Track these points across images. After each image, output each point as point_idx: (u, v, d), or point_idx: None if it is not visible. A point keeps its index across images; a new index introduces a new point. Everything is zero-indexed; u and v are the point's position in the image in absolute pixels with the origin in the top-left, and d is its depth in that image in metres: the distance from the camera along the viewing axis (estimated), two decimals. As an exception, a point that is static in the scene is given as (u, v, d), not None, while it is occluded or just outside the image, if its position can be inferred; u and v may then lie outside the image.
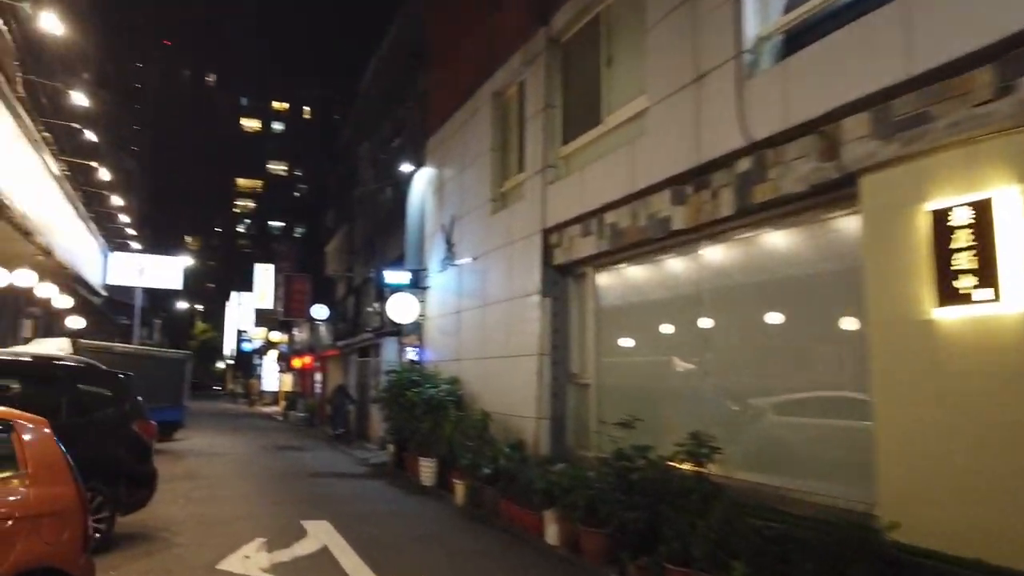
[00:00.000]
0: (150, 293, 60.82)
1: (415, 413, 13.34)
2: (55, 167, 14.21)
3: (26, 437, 4.62)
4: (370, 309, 25.19)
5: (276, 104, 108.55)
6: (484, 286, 12.64)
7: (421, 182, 17.68)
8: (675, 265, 8.36)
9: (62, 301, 16.22)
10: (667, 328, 8.59)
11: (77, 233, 17.98)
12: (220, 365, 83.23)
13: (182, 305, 70.15)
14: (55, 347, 15.31)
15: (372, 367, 20.42)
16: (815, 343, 6.60)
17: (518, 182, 11.95)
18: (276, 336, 41.16)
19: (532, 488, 8.71)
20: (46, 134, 14.54)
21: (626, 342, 9.42)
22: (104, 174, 22.31)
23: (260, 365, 51.91)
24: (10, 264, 13.66)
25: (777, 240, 6.92)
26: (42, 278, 14.41)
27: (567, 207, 9.94)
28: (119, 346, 16.19)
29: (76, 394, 7.43)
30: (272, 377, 45.68)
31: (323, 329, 26.78)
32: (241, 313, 55.87)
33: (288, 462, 15.43)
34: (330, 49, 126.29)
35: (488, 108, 12.96)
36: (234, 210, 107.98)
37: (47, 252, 13.99)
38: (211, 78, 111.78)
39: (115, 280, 22.81)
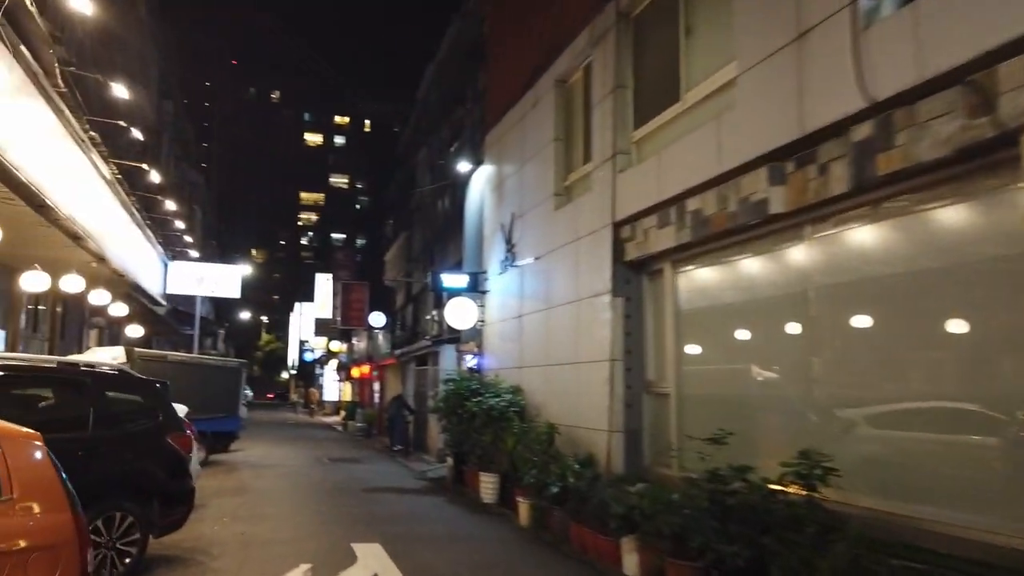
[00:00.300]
0: (215, 304, 61.91)
1: (475, 425, 12.46)
2: (105, 170, 13.91)
3: (11, 455, 3.86)
4: (428, 317, 24.53)
5: (338, 118, 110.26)
6: (547, 287, 11.69)
7: (479, 182, 16.89)
8: (773, 256, 7.25)
9: (118, 309, 15.95)
10: (762, 330, 7.48)
11: (135, 242, 17.77)
12: (284, 375, 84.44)
13: (248, 316, 71.23)
14: (109, 356, 15.01)
15: (430, 376, 19.69)
16: (952, 344, 5.44)
17: (584, 173, 10.99)
18: (336, 346, 41.03)
19: (607, 511, 7.69)
20: (103, 149, 14.38)
21: (711, 346, 8.33)
22: (161, 182, 22.28)
23: (321, 375, 52.06)
24: (62, 272, 13.36)
25: (908, 223, 5.77)
26: (95, 285, 14.12)
27: (641, 196, 8.93)
28: (173, 354, 15.84)
29: (105, 404, 6.76)
30: (332, 387, 45.62)
31: (381, 338, 26.24)
32: (303, 324, 56.26)
33: (342, 475, 14.74)
34: (391, 61, 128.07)
35: (550, 96, 12.04)
36: (298, 223, 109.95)
37: (100, 257, 13.65)
38: (275, 95, 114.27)
39: (175, 289, 22.67)
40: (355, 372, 31.85)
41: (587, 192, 10.56)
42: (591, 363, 9.83)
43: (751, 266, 7.61)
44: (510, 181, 13.91)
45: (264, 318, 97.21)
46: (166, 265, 22.43)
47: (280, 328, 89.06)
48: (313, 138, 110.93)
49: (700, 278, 8.50)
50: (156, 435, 7.21)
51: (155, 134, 25.41)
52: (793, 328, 6.98)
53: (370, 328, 27.38)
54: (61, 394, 6.66)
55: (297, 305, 64.23)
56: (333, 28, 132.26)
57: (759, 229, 7.12)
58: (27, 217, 10.84)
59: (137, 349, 15.36)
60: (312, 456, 18.63)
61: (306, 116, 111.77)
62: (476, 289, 14.97)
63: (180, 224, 23.12)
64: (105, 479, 6.51)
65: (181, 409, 10.85)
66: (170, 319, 32.47)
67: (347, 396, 41.63)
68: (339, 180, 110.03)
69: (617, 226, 9.52)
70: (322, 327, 40.60)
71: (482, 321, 15.00)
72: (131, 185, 17.70)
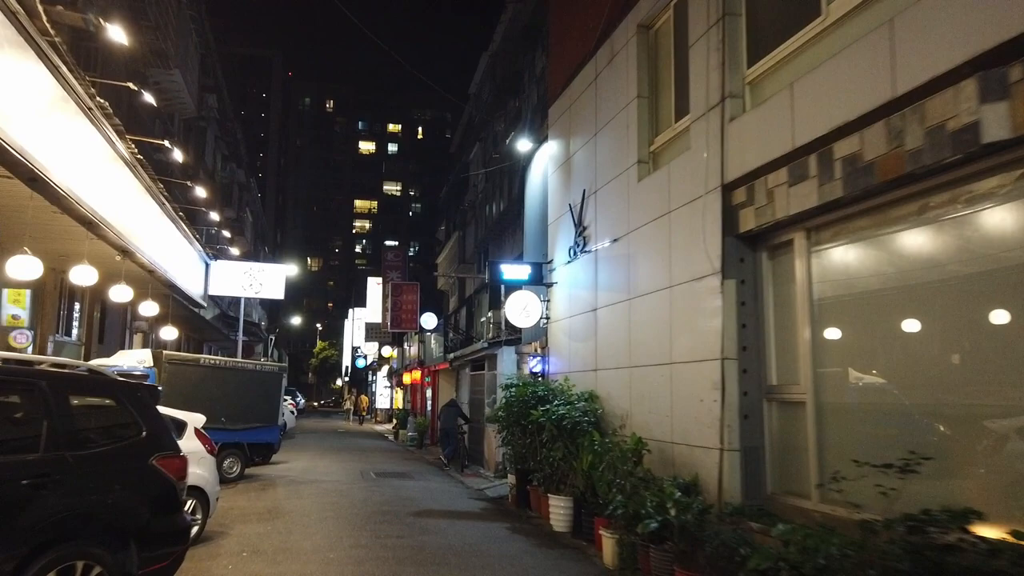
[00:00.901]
0: (267, 309, 61.51)
1: (542, 438, 10.57)
2: (123, 147, 12.52)
3: None
4: (483, 319, 22.75)
5: (391, 126, 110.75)
6: (629, 274, 9.73)
7: (540, 164, 15.03)
8: (975, 210, 5.16)
9: (148, 308, 14.58)
10: (950, 317, 5.40)
11: (168, 237, 16.44)
12: (338, 382, 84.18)
13: (300, 322, 70.98)
14: (134, 359, 13.62)
15: (487, 382, 17.87)
16: None
17: (677, 132, 9.01)
18: (387, 351, 39.61)
19: (734, 559, 5.70)
20: (118, 123, 13.08)
21: (867, 338, 6.25)
22: (194, 168, 21.07)
23: (373, 382, 50.85)
24: (104, 274, 12.01)
25: None
26: (127, 285, 12.74)
27: (763, 147, 6.91)
28: (207, 358, 14.38)
29: (64, 415, 5.06)
30: (384, 394, 44.26)
31: (433, 341, 24.55)
32: (356, 330, 55.27)
33: (389, 494, 12.98)
34: (443, 65, 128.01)
35: (631, 47, 10.09)
36: (352, 231, 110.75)
37: (123, 249, 12.25)
38: (330, 104, 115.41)
39: (217, 290, 21.41)
40: (406, 378, 30.25)
41: (682, 153, 8.57)
42: (692, 363, 7.83)
43: (932, 230, 5.53)
44: (580, 155, 11.99)
45: (319, 325, 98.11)
46: (207, 265, 21.16)
47: (334, 335, 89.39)
48: (367, 146, 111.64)
49: (848, 250, 6.44)
50: (137, 456, 5.49)
51: (197, 127, 24.31)
52: (1002, 316, 4.91)
53: (421, 330, 25.68)
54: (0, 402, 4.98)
55: (350, 312, 63.53)
56: (386, 34, 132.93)
57: (956, 171, 5.05)
58: (25, 197, 9.43)
59: (167, 352, 13.92)
60: (358, 470, 16.95)
61: (360, 125, 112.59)
62: (540, 281, 13.08)
63: (226, 224, 21.86)
64: (61, 516, 4.81)
65: (197, 419, 9.20)
66: (218, 324, 31.47)
67: (398, 403, 40.17)
68: (392, 187, 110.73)
69: (727, 189, 7.50)
70: (373, 332, 39.20)
71: (547, 318, 13.11)
72: (163, 175, 16.40)
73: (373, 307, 43.15)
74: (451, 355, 21.08)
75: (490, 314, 22.66)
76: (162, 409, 8.76)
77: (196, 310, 21.17)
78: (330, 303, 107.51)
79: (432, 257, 51.38)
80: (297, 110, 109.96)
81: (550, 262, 13.16)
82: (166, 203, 14.50)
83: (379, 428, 38.33)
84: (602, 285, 10.72)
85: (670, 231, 8.62)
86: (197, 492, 8.47)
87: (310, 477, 15.15)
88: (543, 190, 14.51)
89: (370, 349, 44.04)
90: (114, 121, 10.56)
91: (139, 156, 12.20)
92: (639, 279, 9.43)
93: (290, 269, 24.86)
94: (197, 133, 24.33)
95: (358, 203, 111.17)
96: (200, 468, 8.59)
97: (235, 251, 23.83)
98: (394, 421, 33.78)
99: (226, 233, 24.59)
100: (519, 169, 20.36)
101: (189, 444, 8.66)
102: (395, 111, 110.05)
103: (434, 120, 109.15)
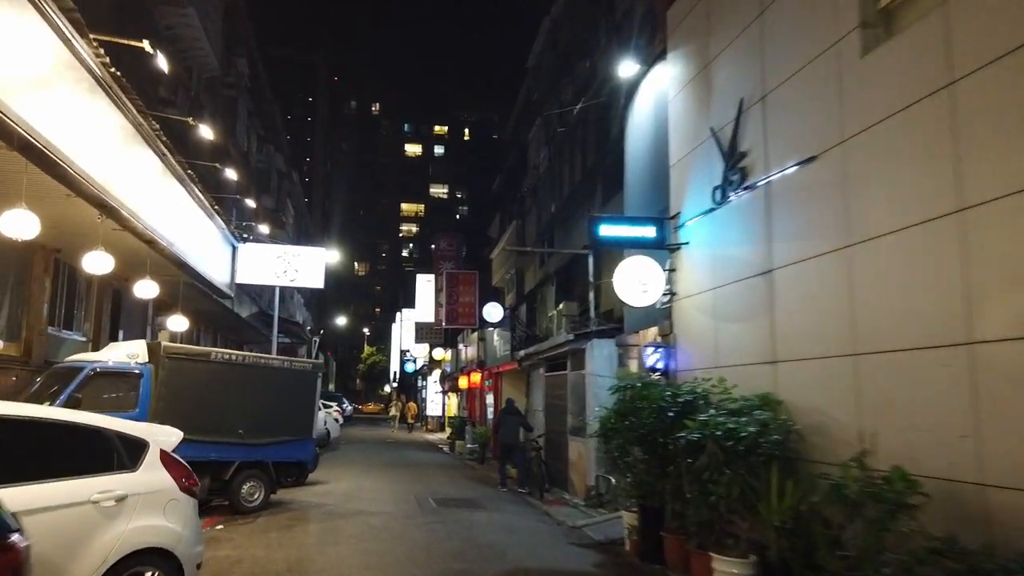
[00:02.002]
0: (313, 310, 58.94)
1: (695, 464, 6.96)
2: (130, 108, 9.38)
3: None
4: (551, 313, 19.20)
5: (437, 128, 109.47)
6: (847, 206, 6.09)
7: (649, 96, 11.46)
8: None
9: (146, 289, 11.46)
10: None
11: (183, 211, 13.38)
12: (386, 388, 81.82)
13: (346, 323, 68.52)
14: (123, 353, 10.44)
15: (571, 384, 14.32)
16: None
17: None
18: (439, 353, 36.33)
19: None
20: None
21: None
22: (225, 145, 18.07)
23: (423, 387, 47.72)
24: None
25: None
26: (129, 266, 9.61)
27: None
28: (219, 351, 11.19)
29: None
30: (435, 400, 41.01)
31: (497, 338, 21.11)
32: (404, 333, 52.32)
33: (459, 538, 9.48)
34: (490, 65, 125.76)
35: None
36: (399, 234, 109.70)
37: (115, 213, 9.10)
38: (376, 107, 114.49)
39: (247, 278, 18.31)
40: (463, 382, 26.89)
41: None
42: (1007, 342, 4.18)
43: None
44: (727, 56, 8.38)
45: (366, 330, 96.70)
46: (234, 248, 18.10)
47: (382, 340, 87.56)
48: (413, 149, 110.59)
49: None
50: None
51: (224, 97, 21.37)
52: None
53: (482, 325, 22.24)
54: None
55: (398, 315, 60.82)
56: (431, 37, 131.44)
57: None
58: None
59: (166, 344, 10.71)
60: (412, 494, 13.55)
61: (406, 127, 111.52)
62: (663, 244, 9.50)
63: (264, 215, 18.83)
64: None
65: (164, 435, 5.88)
66: (257, 323, 28.57)
67: (451, 411, 36.88)
68: (439, 190, 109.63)
69: None
70: (424, 332, 36.09)
71: (671, 293, 9.52)
72: (184, 147, 13.33)
73: (423, 306, 39.99)
74: (521, 353, 17.58)
75: (561, 306, 19.12)
76: (107, 422, 5.46)
77: (223, 301, 18.10)
78: (377, 308, 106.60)
79: (481, 260, 48.19)
80: (343, 114, 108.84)
81: (673, 217, 9.57)
82: (167, 153, 11.33)
83: (431, 437, 35.06)
84: (781, 233, 7.09)
85: (954, 116, 4.97)
86: (160, 557, 5.15)
87: (353, 506, 11.78)
88: (654, 128, 10.95)
89: (420, 352, 40.88)
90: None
91: (144, 117, 9.06)
92: (871, 212, 5.79)
93: (331, 255, 21.69)
94: (225, 104, 21.43)
95: (404, 206, 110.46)
96: (167, 517, 5.28)
97: (263, 227, 20.88)
98: (449, 430, 30.47)
99: (264, 229, 21.54)
100: (611, 118, 16.85)
101: (150, 477, 5.34)
102: (441, 113, 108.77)
103: (480, 121, 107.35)
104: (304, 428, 12.11)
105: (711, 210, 8.45)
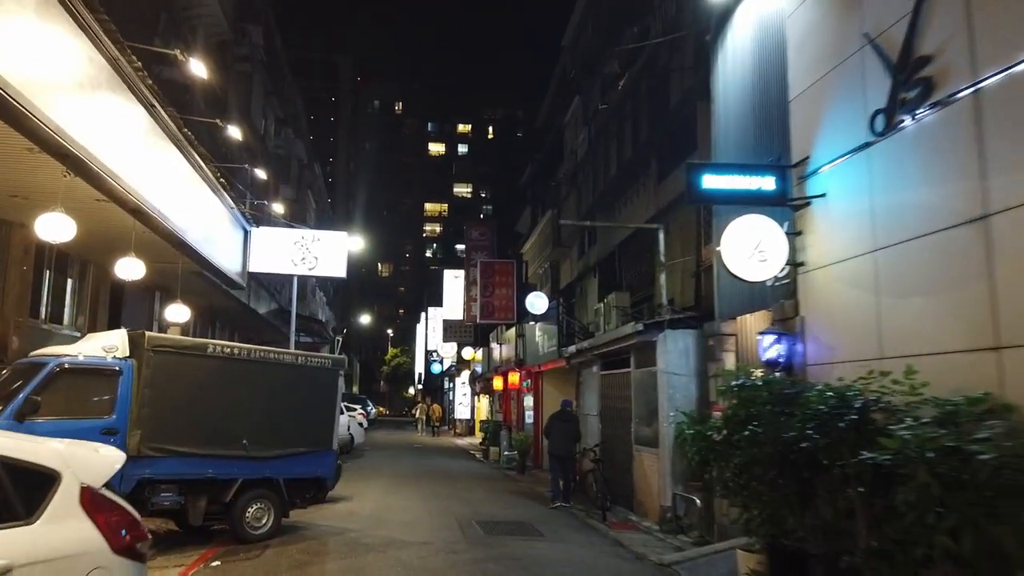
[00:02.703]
0: (336, 308, 57.06)
1: (888, 502, 4.70)
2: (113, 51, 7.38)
3: None
4: (597, 307, 16.95)
5: (461, 127, 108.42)
6: None
7: (745, 28, 9.22)
8: None
9: (130, 268, 9.47)
10: None
11: (185, 185, 11.44)
12: (410, 391, 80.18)
13: (370, 321, 66.77)
14: (99, 345, 8.40)
15: (638, 384, 12.09)
16: None
17: None
18: (469, 353, 34.20)
19: None
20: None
21: None
22: (236, 120, 16.14)
23: (451, 389, 45.67)
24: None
25: None
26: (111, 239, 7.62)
27: None
28: (217, 344, 9.13)
29: None
30: (464, 402, 38.91)
31: (539, 333, 18.90)
32: (429, 332, 50.33)
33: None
34: (513, 62, 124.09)
35: None
36: (423, 235, 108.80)
37: (63, 156, 7.09)
38: (399, 106, 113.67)
39: (261, 266, 16.30)
40: (497, 383, 24.73)
41: None
42: None
43: None
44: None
45: (390, 331, 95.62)
46: (246, 232, 16.11)
47: (406, 341, 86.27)
48: (436, 148, 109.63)
49: None
50: None
51: (238, 71, 19.41)
52: None
53: (520, 319, 20.01)
54: None
55: (422, 316, 58.93)
56: (454, 32, 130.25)
57: None
58: None
59: (152, 334, 8.66)
60: (452, 516, 11.39)
61: (429, 126, 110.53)
62: (784, 198, 7.27)
63: (284, 206, 16.91)
64: None
65: (94, 464, 3.73)
66: (276, 321, 26.65)
67: (482, 414, 34.76)
68: (463, 189, 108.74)
69: None
70: (452, 331, 34.01)
71: (795, 264, 7.28)
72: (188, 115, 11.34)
73: (451, 303, 37.95)
74: (571, 349, 15.36)
75: (610, 297, 16.86)
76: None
77: (234, 292, 16.12)
78: (401, 309, 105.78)
79: (507, 258, 45.87)
80: (366, 113, 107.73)
81: (797, 165, 7.33)
82: (155, 104, 9.30)
83: (460, 442, 32.97)
84: (1004, 160, 4.84)
85: None
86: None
87: (382, 533, 9.65)
88: (757, 63, 8.71)
89: (448, 351, 38.80)
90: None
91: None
92: None
93: (354, 241, 19.60)
94: (239, 78, 19.49)
95: (428, 206, 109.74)
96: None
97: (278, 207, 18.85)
98: (480, 435, 28.36)
99: (278, 207, 19.56)
100: (670, 83, 14.65)
101: (60, 533, 3.24)
102: (465, 111, 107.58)
103: (505, 119, 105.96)
104: (323, 437, 10.00)
105: (866, 145, 6.21)
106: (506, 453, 20.62)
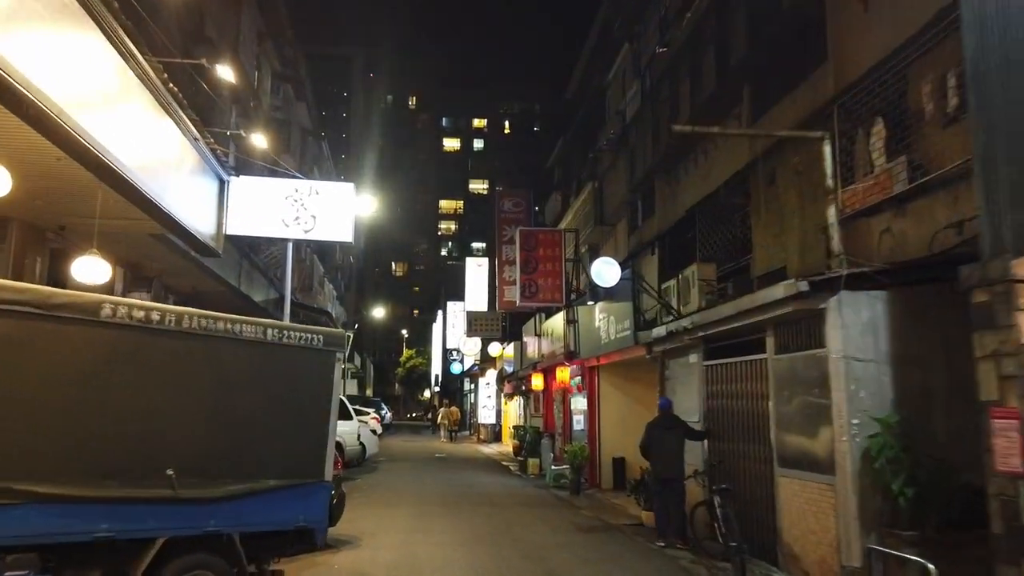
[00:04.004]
0: (350, 310, 53.01)
1: None
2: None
3: None
4: (669, 284, 12.80)
5: (476, 122, 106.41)
6: None
7: None
8: None
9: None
10: None
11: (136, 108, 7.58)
12: (426, 394, 76.76)
13: (384, 321, 63.00)
14: None
15: (782, 375, 8.07)
16: None
17: None
18: (496, 349, 30.20)
19: None
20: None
21: None
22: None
23: (472, 391, 41.77)
24: None
25: None
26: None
27: None
28: (120, 303, 5.21)
29: None
30: (489, 405, 34.95)
31: (599, 317, 14.78)
32: (449, 330, 46.47)
33: None
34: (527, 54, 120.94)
35: None
36: (438, 233, 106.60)
37: None
38: (412, 100, 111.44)
39: (242, 227, 12.41)
40: (536, 382, 20.70)
41: None
42: None
43: None
44: None
45: (404, 332, 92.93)
46: (223, 182, 12.23)
47: (421, 343, 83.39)
48: (451, 144, 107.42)
49: None
50: None
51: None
52: None
53: (584, 297, 15.84)
54: None
55: (439, 314, 55.20)
56: (467, 27, 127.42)
57: None
58: None
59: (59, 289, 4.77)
60: (510, 572, 7.41)
61: (444, 121, 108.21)
62: None
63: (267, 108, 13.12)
64: None
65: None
66: (276, 312, 22.83)
67: (510, 418, 30.77)
68: (479, 186, 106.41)
69: None
70: (477, 324, 30.11)
71: None
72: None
73: (475, 294, 34.11)
74: (660, 330, 11.30)
75: (692, 269, 12.81)
76: None
77: (202, 258, 12.18)
78: (416, 309, 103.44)
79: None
80: (379, 109, 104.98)
81: None
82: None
83: (487, 450, 29.00)
84: None
85: None
86: None
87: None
88: None
89: (471, 348, 34.88)
90: None
91: None
92: None
93: (364, 201, 15.70)
94: (222, 5, 15.63)
95: (443, 203, 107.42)
96: None
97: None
98: (511, 443, 24.39)
99: (259, 139, 15.62)
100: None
101: None
102: (480, 106, 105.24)
103: (522, 113, 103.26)
104: (309, 462, 6.05)
105: None
106: (554, 468, 16.61)
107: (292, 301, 28.59)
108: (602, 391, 15.85)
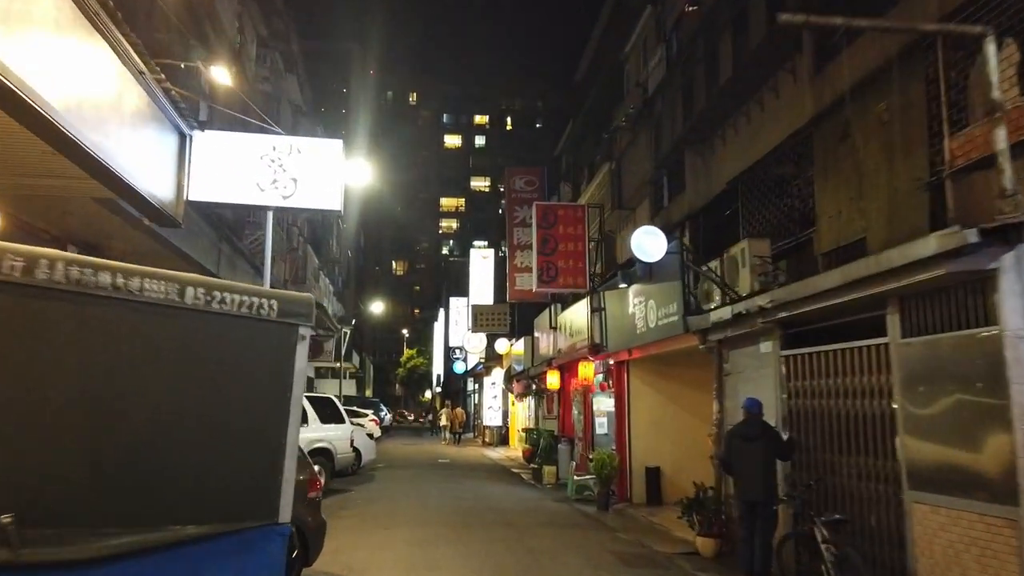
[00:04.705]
0: (349, 308, 50.60)
1: None
2: None
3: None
4: (714, 261, 10.56)
5: (478, 118, 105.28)
6: None
7: None
8: None
9: None
10: None
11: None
12: (427, 394, 74.89)
13: (383, 317, 60.73)
14: None
15: (915, 366, 5.90)
16: None
17: None
18: (504, 346, 28.01)
19: None
20: None
21: None
22: None
23: (476, 391, 39.62)
24: None
25: None
26: None
27: None
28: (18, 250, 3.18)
29: None
30: (495, 406, 32.76)
31: (633, 302, 12.54)
32: (451, 327, 44.38)
33: None
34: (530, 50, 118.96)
35: None
36: (439, 231, 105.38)
37: None
38: (413, 97, 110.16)
39: (207, 192, 10.24)
40: (551, 380, 18.49)
41: None
42: None
43: None
44: None
45: (405, 332, 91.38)
46: (186, 137, 10.07)
47: (422, 342, 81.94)
48: (452, 140, 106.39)
49: None
50: None
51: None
52: None
53: (597, 286, 13.62)
54: None
55: (441, 313, 53.17)
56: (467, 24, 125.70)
57: None
58: None
59: None
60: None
61: (445, 118, 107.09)
62: None
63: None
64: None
65: None
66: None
67: (518, 420, 28.61)
68: (480, 183, 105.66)
69: None
70: (483, 318, 27.94)
71: None
72: None
73: (480, 288, 32.00)
74: (725, 311, 9.08)
75: (742, 247, 10.64)
76: None
77: (154, 226, 10.00)
78: (416, 309, 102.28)
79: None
80: (378, 105, 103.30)
81: None
82: None
83: (493, 455, 26.83)
84: None
85: None
86: None
87: None
88: None
89: (475, 346, 32.68)
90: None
91: None
92: None
93: (359, 170, 13.54)
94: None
95: (444, 201, 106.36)
96: None
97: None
98: (521, 446, 22.26)
99: (222, 74, 13.41)
100: None
101: None
102: (482, 102, 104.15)
103: (524, 109, 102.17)
104: (254, 494, 3.88)
105: None
106: (575, 478, 14.44)
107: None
108: (633, 389, 13.68)
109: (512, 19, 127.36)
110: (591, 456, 14.06)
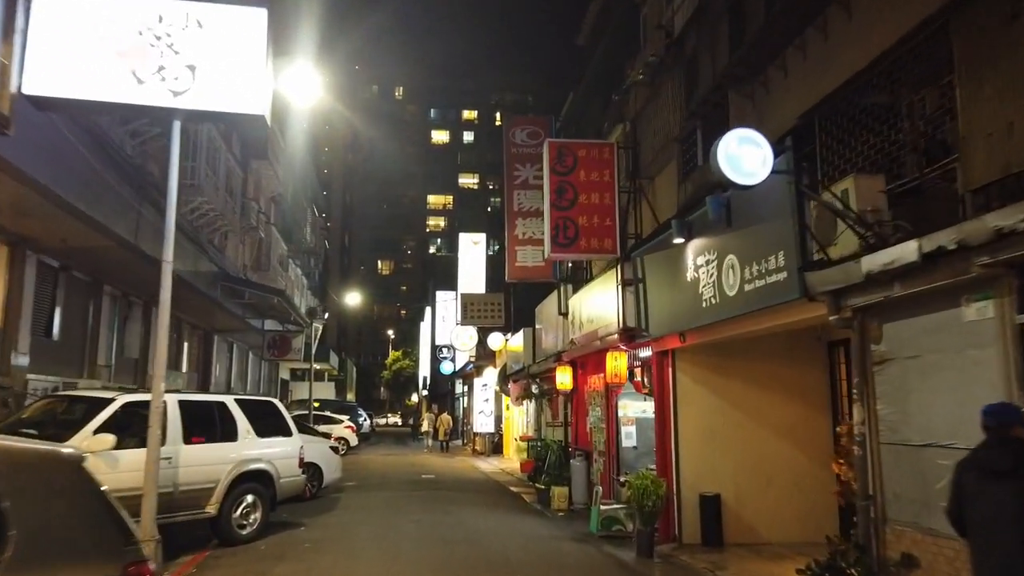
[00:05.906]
0: (319, 291, 46.70)
1: None
2: None
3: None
4: (822, 198, 6.92)
5: (466, 113, 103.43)
6: None
7: None
8: None
9: None
10: None
11: None
12: (413, 398, 71.62)
13: (358, 301, 56.79)
14: None
15: None
16: None
17: None
18: (498, 341, 24.29)
19: None
20: None
21: None
22: None
23: (465, 394, 35.93)
24: None
25: None
26: None
27: None
28: None
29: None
30: (487, 411, 29.07)
31: (691, 263, 8.78)
32: (439, 323, 40.73)
33: None
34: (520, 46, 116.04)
35: None
36: (426, 229, 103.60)
37: None
38: (399, 91, 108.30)
39: (58, 86, 6.58)
40: (561, 379, 14.73)
41: None
42: None
43: None
44: None
45: (391, 333, 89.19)
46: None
47: (409, 343, 79.30)
48: (440, 136, 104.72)
49: None
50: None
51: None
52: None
53: (631, 251, 9.79)
54: None
55: (427, 311, 49.66)
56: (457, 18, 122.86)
57: None
58: None
59: None
60: None
61: (432, 113, 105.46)
62: None
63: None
64: None
65: None
66: (209, 290, 16.92)
67: (514, 427, 24.93)
68: (469, 180, 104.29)
69: None
70: (474, 308, 24.26)
71: None
72: None
73: (470, 276, 28.35)
74: (901, 250, 5.45)
75: (847, 184, 7.00)
76: None
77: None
78: (403, 309, 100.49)
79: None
80: (363, 99, 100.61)
81: None
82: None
83: (485, 467, 23.13)
84: None
85: None
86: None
87: None
88: None
89: (464, 341, 28.93)
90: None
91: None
92: None
93: (304, 75, 9.82)
94: None
95: (431, 198, 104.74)
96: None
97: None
98: (521, 459, 18.59)
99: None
100: None
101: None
102: (470, 96, 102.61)
103: (514, 104, 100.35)
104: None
105: None
106: (604, 507, 10.72)
107: (240, 279, 22.43)
108: (681, 389, 10.02)
109: (503, 9, 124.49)
110: (622, 479, 10.36)
